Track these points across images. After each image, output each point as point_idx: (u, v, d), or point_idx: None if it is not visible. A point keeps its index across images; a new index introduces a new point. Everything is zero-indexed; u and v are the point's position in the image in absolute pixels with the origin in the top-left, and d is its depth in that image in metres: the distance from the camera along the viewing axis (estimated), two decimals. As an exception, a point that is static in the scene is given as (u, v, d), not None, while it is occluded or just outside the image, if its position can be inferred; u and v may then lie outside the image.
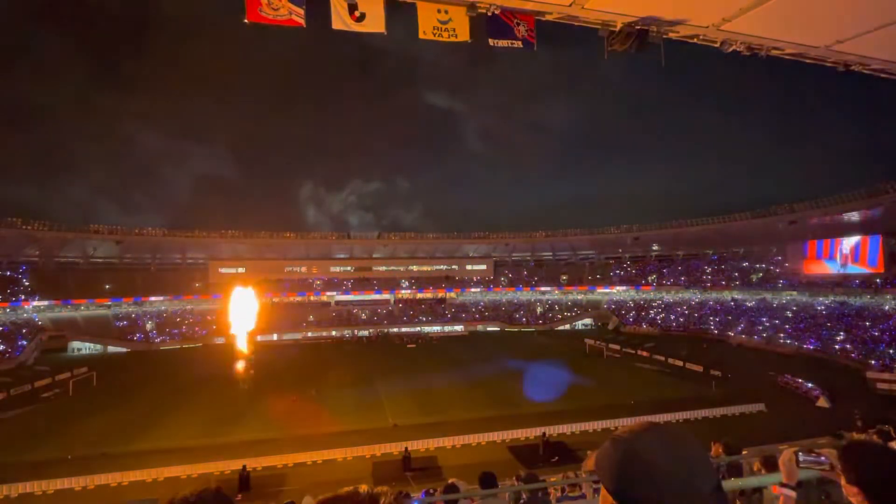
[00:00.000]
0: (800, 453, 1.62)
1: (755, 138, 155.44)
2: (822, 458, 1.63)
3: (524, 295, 75.84)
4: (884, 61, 5.59)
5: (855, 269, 49.05)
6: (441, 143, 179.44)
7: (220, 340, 59.83)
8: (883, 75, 5.84)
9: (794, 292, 54.33)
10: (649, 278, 71.66)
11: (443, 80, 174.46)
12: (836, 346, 41.81)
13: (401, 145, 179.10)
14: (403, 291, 73.79)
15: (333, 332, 64.65)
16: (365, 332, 65.50)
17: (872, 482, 1.35)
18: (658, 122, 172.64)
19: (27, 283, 54.84)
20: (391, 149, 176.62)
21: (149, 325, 59.27)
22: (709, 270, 66.84)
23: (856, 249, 49.04)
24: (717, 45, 5.36)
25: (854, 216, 49.17)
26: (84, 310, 57.91)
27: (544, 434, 22.47)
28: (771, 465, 4.27)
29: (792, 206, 54.98)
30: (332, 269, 75.06)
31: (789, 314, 51.50)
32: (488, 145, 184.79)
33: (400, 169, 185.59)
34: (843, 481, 1.44)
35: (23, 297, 53.12)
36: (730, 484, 2.88)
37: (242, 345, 38.32)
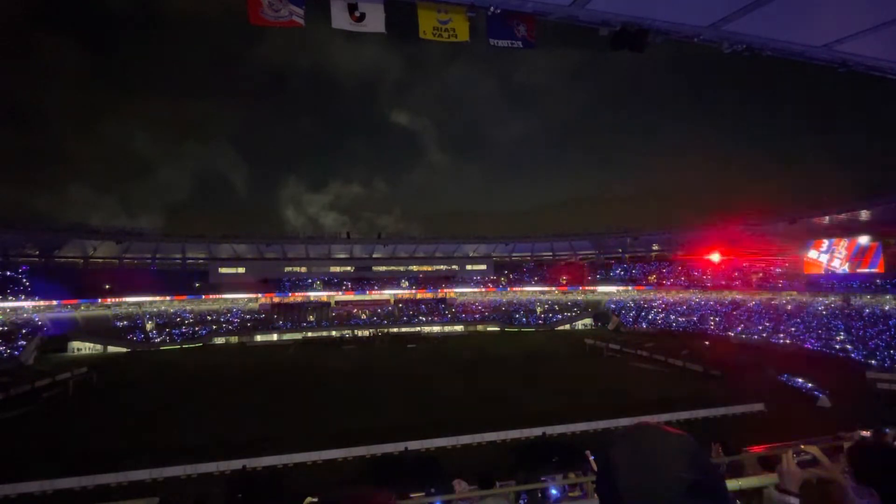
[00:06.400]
0: (799, 456, 1.62)
1: (755, 138, 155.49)
2: (816, 458, 1.62)
3: (524, 295, 75.84)
4: (884, 61, 5.59)
5: (855, 269, 49.05)
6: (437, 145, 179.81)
7: (220, 341, 60.12)
8: (880, 74, 5.84)
9: (794, 292, 54.33)
10: (649, 278, 71.67)
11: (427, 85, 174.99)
12: (836, 346, 41.81)
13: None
14: (403, 291, 73.78)
15: (333, 333, 64.64)
16: (365, 333, 65.51)
17: (888, 483, 1.34)
18: (658, 122, 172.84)
19: (27, 283, 54.81)
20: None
21: (149, 325, 59.25)
22: (709, 270, 66.83)
23: (855, 250, 49.03)
24: (717, 45, 5.37)
25: (854, 217, 49.16)
26: (84, 310, 57.88)
27: (544, 434, 22.46)
28: (770, 465, 4.27)
29: (792, 207, 55.10)
30: (332, 269, 75.06)
31: (789, 314, 51.51)
32: (487, 144, 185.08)
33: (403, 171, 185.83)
34: (848, 481, 1.43)
35: (23, 297, 53.09)
36: (730, 484, 2.87)
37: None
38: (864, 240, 47.62)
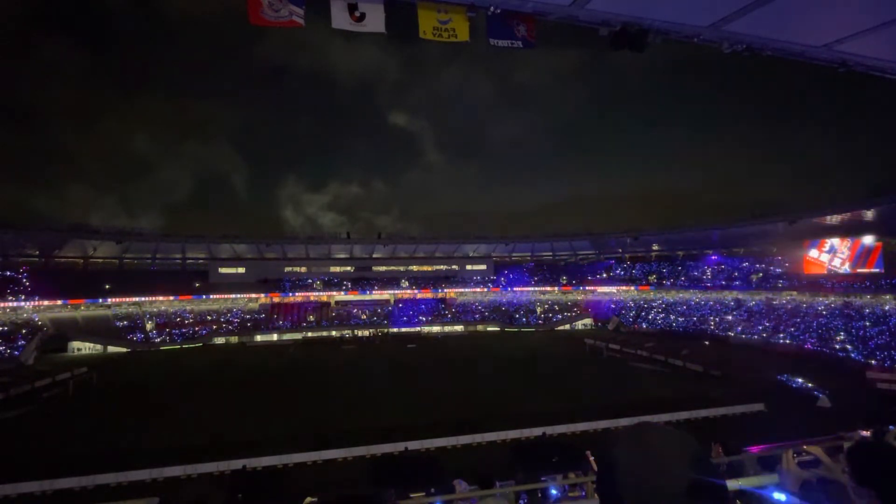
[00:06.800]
0: (799, 455, 1.62)
1: (756, 138, 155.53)
2: (819, 459, 1.62)
3: (524, 295, 75.85)
4: (884, 61, 5.58)
5: (848, 269, 49.09)
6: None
7: (220, 341, 60.13)
8: (879, 74, 5.84)
9: (794, 292, 54.33)
10: (649, 278, 71.65)
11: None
12: (836, 346, 41.80)
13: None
14: (403, 291, 73.78)
15: (333, 333, 64.66)
16: (365, 333, 65.50)
17: (888, 484, 1.33)
18: (658, 121, 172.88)
19: (27, 283, 54.82)
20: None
21: (149, 325, 59.26)
22: (709, 270, 66.86)
23: (856, 250, 49.05)
24: (717, 45, 5.37)
25: (854, 217, 49.16)
26: (84, 310, 57.88)
27: (544, 434, 22.45)
28: (770, 465, 4.26)
29: (792, 207, 55.16)
30: (332, 269, 75.06)
31: (789, 314, 51.51)
32: (489, 144, 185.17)
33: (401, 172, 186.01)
34: (848, 481, 1.43)
35: (23, 297, 53.10)
36: (730, 484, 2.87)
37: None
38: (868, 240, 47.60)
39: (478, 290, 76.00)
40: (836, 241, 50.70)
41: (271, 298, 68.41)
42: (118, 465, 19.41)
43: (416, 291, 74.09)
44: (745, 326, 53.36)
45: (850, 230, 49.76)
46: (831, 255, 51.22)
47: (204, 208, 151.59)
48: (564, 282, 75.81)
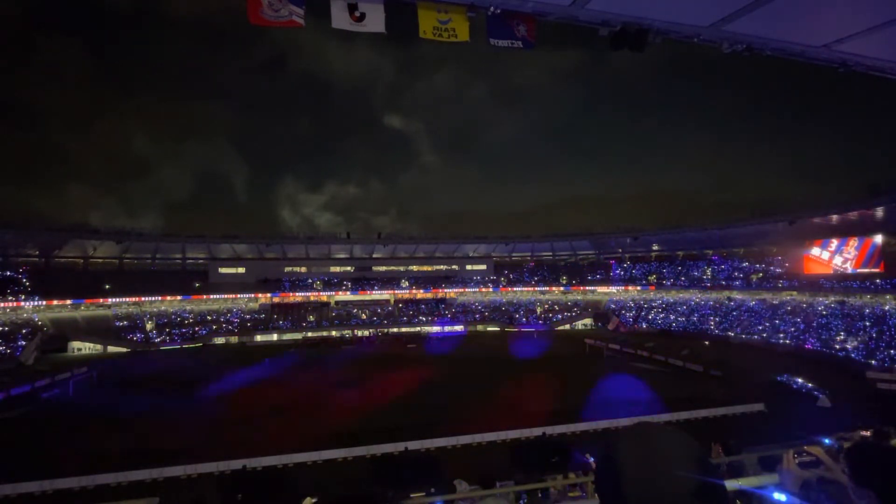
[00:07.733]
0: (799, 455, 1.61)
1: (756, 138, 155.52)
2: (819, 459, 1.62)
3: (524, 295, 75.82)
4: (883, 61, 5.58)
5: (855, 269, 49.07)
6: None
7: (220, 341, 60.10)
8: (880, 74, 5.84)
9: (795, 292, 54.31)
10: (649, 278, 71.62)
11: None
12: (836, 346, 41.79)
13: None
14: (403, 291, 73.78)
15: (333, 333, 64.63)
16: (365, 333, 65.46)
17: (887, 485, 1.32)
18: (658, 121, 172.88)
19: (27, 283, 54.80)
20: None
21: (149, 325, 59.23)
22: (709, 270, 66.84)
23: (857, 250, 49.04)
24: (717, 45, 5.36)
25: (854, 217, 49.14)
26: (84, 310, 57.87)
27: (544, 434, 22.43)
28: (770, 465, 4.26)
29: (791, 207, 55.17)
30: (332, 269, 75.03)
31: (789, 314, 51.50)
32: (490, 143, 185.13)
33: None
34: (848, 482, 1.42)
35: (23, 297, 53.08)
36: (729, 484, 2.87)
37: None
38: (878, 239, 47.56)
39: (478, 290, 75.98)
40: (836, 241, 50.70)
41: (271, 298, 68.42)
42: (118, 465, 19.40)
43: (416, 291, 74.05)
44: (745, 326, 53.35)
45: (850, 230, 49.75)
46: (834, 254, 51.23)
47: (204, 208, 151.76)
48: (564, 282, 75.77)
